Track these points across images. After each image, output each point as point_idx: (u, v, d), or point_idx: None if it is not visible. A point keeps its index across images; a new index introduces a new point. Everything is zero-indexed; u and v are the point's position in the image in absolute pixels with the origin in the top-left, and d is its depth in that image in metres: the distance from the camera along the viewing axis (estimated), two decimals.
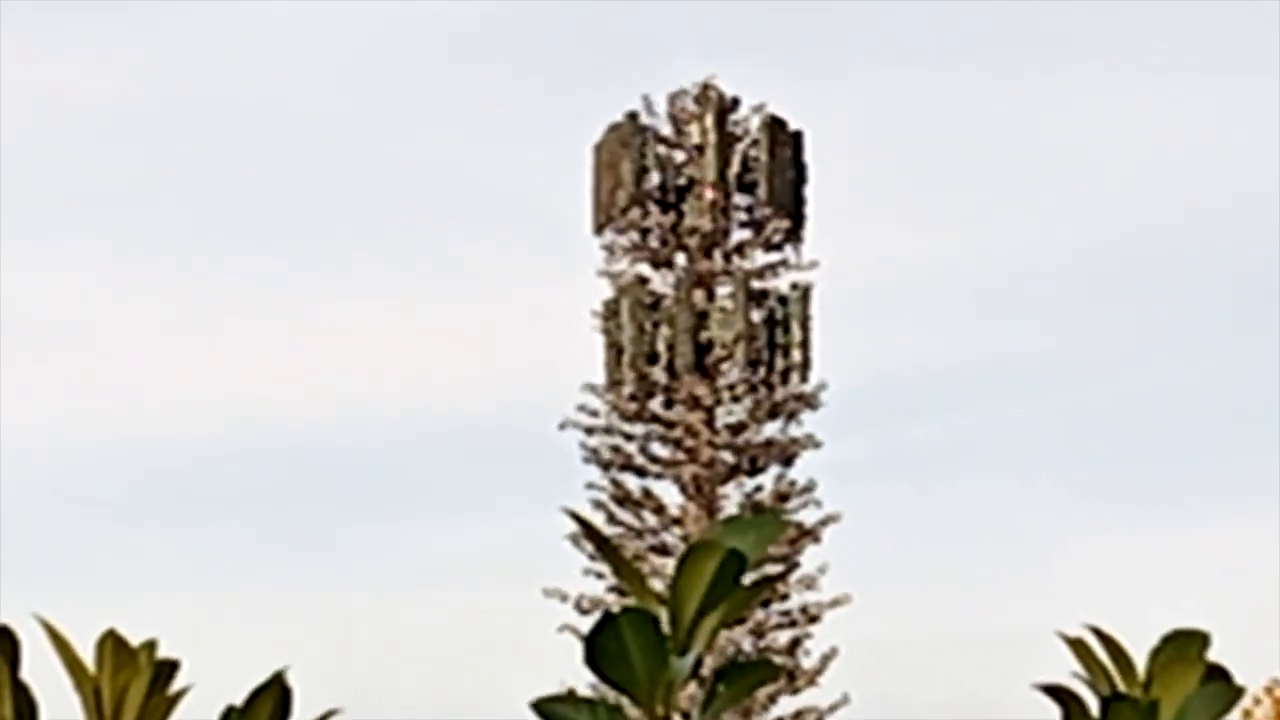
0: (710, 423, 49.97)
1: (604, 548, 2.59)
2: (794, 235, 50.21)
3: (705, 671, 2.21)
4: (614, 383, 49.63)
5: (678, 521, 49.29)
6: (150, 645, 2.29)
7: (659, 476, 50.05)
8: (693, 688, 2.18)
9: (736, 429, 50.11)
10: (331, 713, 2.30)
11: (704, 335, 49.38)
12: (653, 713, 2.13)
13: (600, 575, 43.67)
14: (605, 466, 49.72)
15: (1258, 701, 50.92)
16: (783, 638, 48.83)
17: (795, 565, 49.23)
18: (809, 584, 49.49)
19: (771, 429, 50.31)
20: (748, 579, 2.16)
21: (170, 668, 2.29)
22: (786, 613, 49.15)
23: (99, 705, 2.28)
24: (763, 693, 44.93)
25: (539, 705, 2.14)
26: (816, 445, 50.26)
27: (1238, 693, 1.88)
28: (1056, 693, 1.89)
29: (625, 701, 2.14)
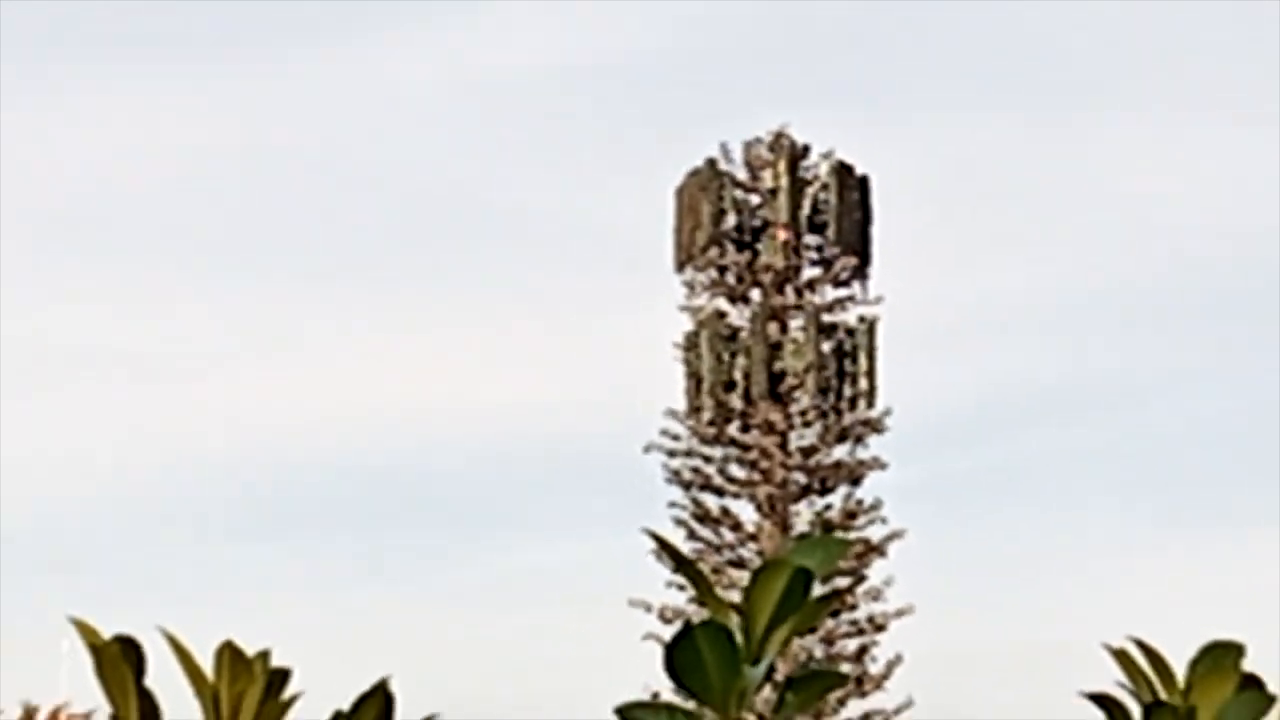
0: (784, 446, 49.90)
1: (682, 564, 2.59)
2: (861, 272, 50.18)
3: (778, 677, 2.21)
4: (694, 409, 49.63)
5: (753, 538, 49.25)
6: (264, 655, 2.30)
7: (736, 496, 50.02)
8: (767, 691, 2.18)
9: (808, 452, 50.06)
10: (431, 717, 2.30)
11: (777, 365, 49.33)
12: (727, 718, 2.12)
13: (682, 587, 43.66)
14: (686, 486, 49.74)
15: None
16: (851, 645, 48.75)
17: (863, 578, 49.14)
18: (875, 595, 49.40)
19: (840, 452, 50.25)
20: (817, 592, 2.16)
21: (282, 676, 2.30)
22: (855, 622, 49.06)
23: (217, 711, 2.29)
24: (833, 697, 44.86)
25: (621, 710, 2.14)
26: (882, 467, 50.18)
27: (1271, 700, 1.87)
28: (1102, 700, 1.88)
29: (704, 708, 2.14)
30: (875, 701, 49.11)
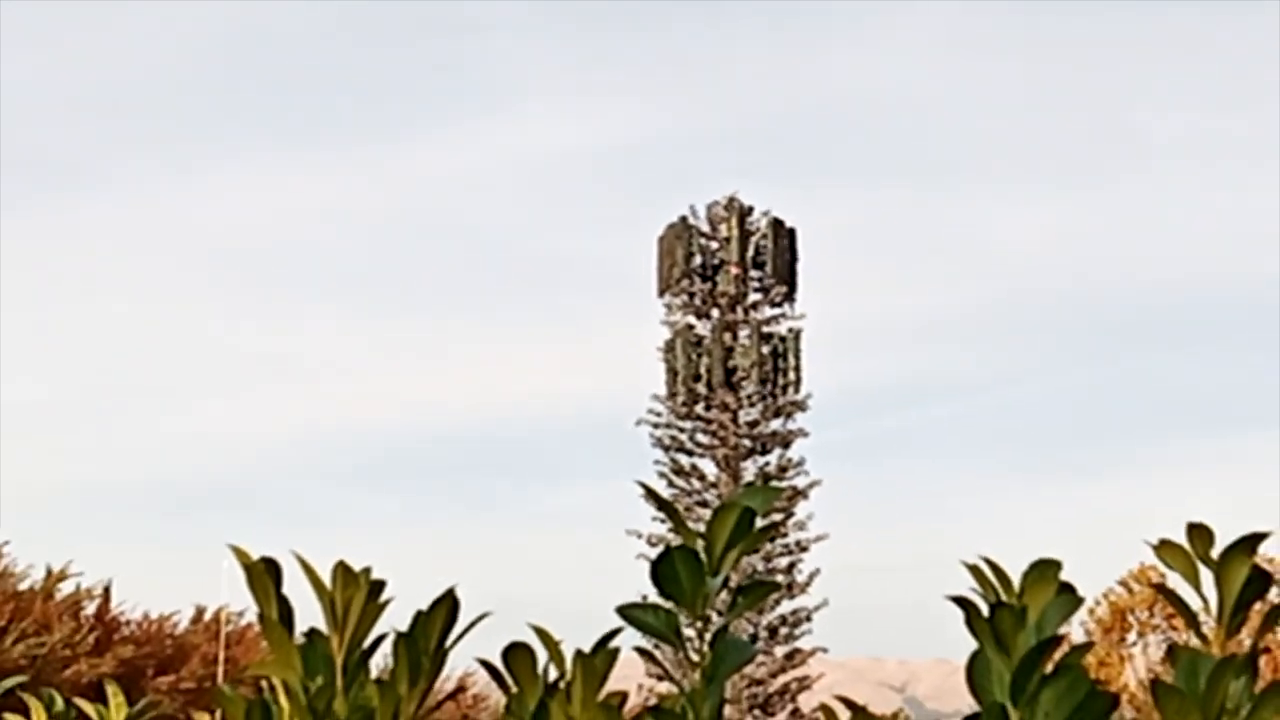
0: (735, 420, 49.95)
1: (663, 505, 2.61)
2: (789, 297, 50.39)
3: (732, 585, 2.21)
4: (671, 395, 49.74)
5: (714, 486, 49.33)
6: (366, 571, 2.30)
7: (701, 456, 50.08)
8: (724, 596, 2.18)
9: (753, 424, 50.12)
10: (484, 615, 2.30)
11: (731, 363, 49.44)
12: (695, 614, 2.13)
13: (663, 521, 43.94)
14: (666, 449, 49.82)
15: (1096, 604, 50.69)
16: (783, 562, 48.69)
17: (791, 514, 49.14)
18: (800, 526, 49.37)
19: (775, 424, 50.27)
20: (759, 524, 2.17)
21: (380, 585, 2.30)
22: (786, 545, 49.08)
23: (334, 612, 2.29)
24: (770, 599, 44.83)
25: (621, 610, 2.15)
26: (805, 435, 50.18)
27: (1079, 601, 1.88)
28: (960, 601, 1.89)
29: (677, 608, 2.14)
30: (800, 602, 49.17)
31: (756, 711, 47.44)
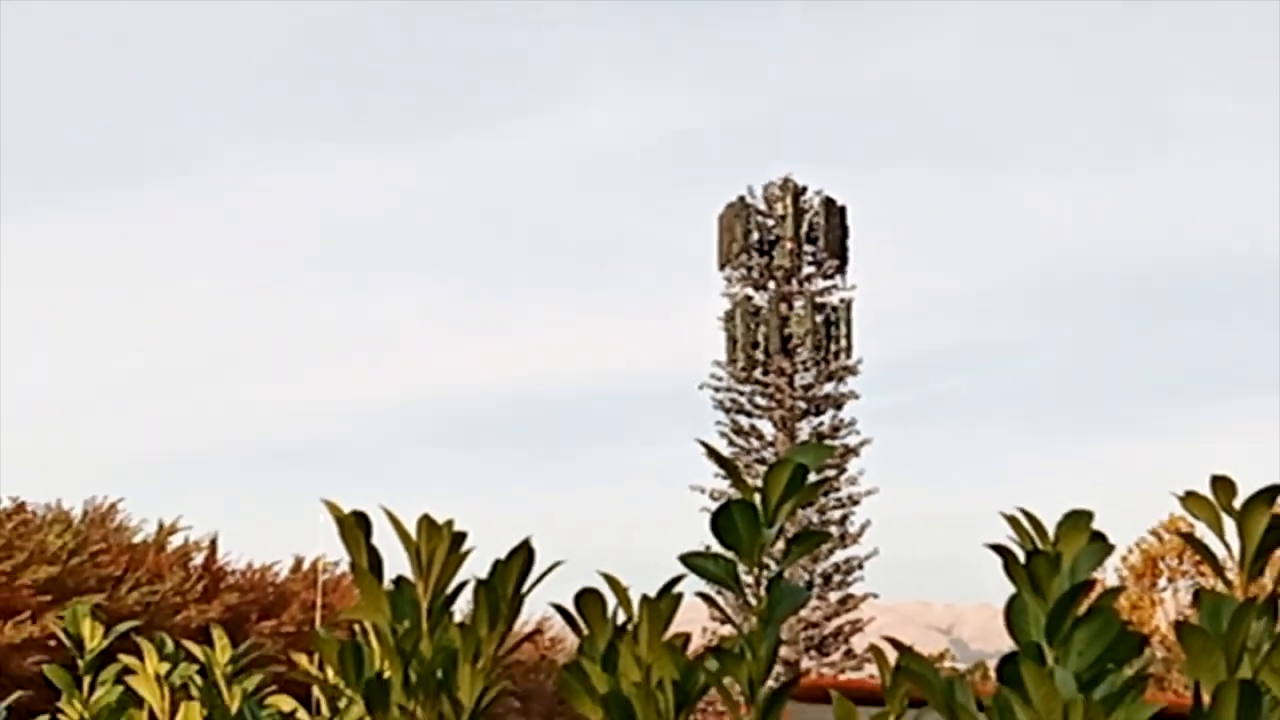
0: (791, 384, 49.95)
1: (723, 462, 2.60)
2: (841, 270, 50.32)
3: (787, 535, 2.21)
4: (731, 360, 49.79)
5: (771, 445, 49.39)
6: (449, 523, 2.31)
7: (759, 417, 50.20)
8: (779, 546, 2.18)
9: (807, 388, 50.17)
10: (557, 563, 2.31)
11: (786, 331, 49.40)
12: (752, 563, 2.12)
13: (724, 477, 44.11)
14: (726, 411, 49.93)
15: (1129, 551, 50.52)
16: (836, 514, 48.80)
17: (844, 470, 49.19)
18: (852, 481, 49.44)
19: (828, 387, 50.33)
20: (812, 479, 2.16)
21: (460, 537, 2.31)
22: (839, 499, 49.15)
23: (419, 560, 2.30)
24: (824, 548, 44.79)
25: (685, 558, 2.15)
26: (856, 397, 50.21)
27: (1110, 548, 1.86)
28: (999, 549, 1.88)
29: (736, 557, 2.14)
30: (852, 551, 49.25)
31: (812, 652, 47.55)
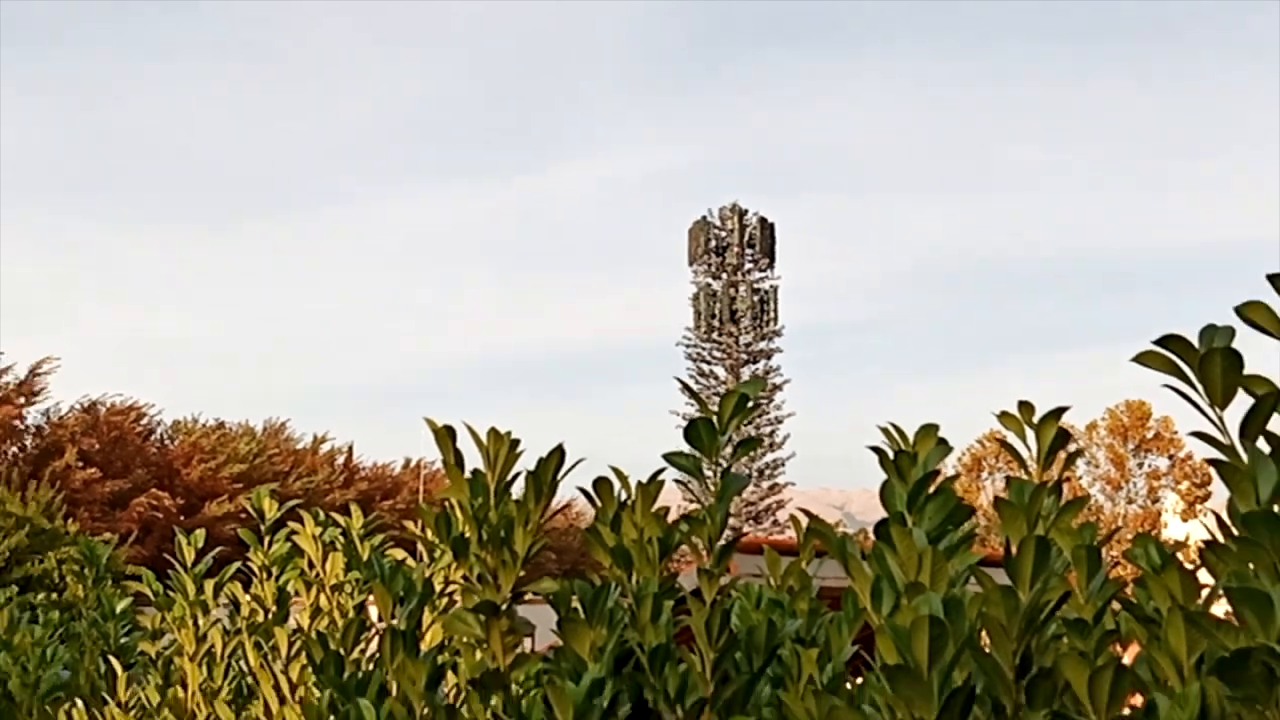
0: (737, 343, 49.90)
1: (692, 394, 2.59)
2: (770, 265, 50.19)
3: (734, 442, 2.21)
4: (696, 327, 49.76)
5: (724, 384, 49.38)
6: (509, 433, 2.30)
7: (715, 365, 50.17)
8: (729, 449, 2.18)
9: (748, 345, 50.09)
10: (580, 460, 2.30)
11: (734, 307, 49.34)
12: (712, 460, 2.12)
13: (693, 404, 44.00)
14: (694, 361, 49.92)
15: (963, 454, 50.43)
16: (767, 429, 48.79)
17: (772, 399, 49.22)
18: (778, 408, 49.45)
19: (762, 345, 50.24)
20: (750, 404, 2.16)
21: (516, 442, 2.30)
22: (769, 419, 49.15)
23: (488, 457, 2.29)
24: (758, 451, 44.85)
25: (666, 456, 2.15)
26: (780, 352, 50.28)
27: (949, 449, 1.86)
28: (877, 450, 1.87)
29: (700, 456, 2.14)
30: (778, 454, 49.32)
31: (751, 522, 47.72)
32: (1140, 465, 48.29)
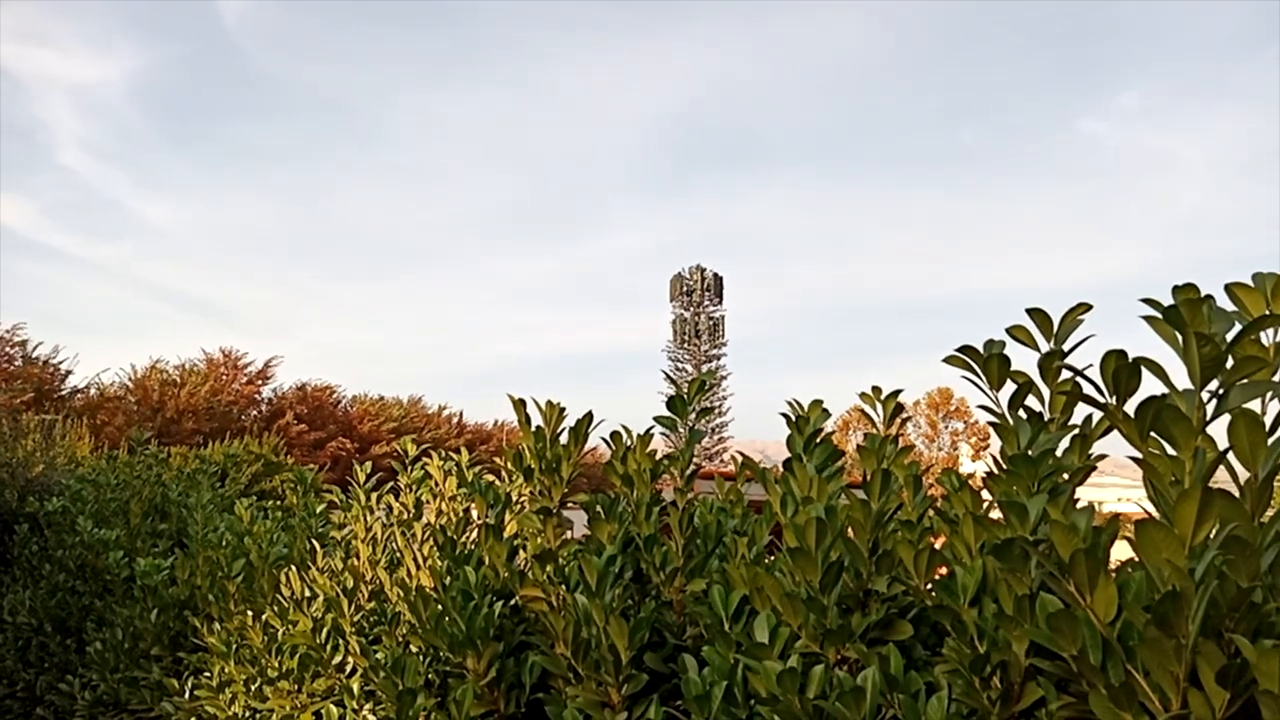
0: (699, 350, 49.72)
1: (671, 381, 2.58)
2: (720, 302, 49.87)
3: (696, 409, 2.19)
4: (674, 339, 49.56)
5: (691, 376, 49.09)
6: (559, 404, 2.28)
7: (685, 364, 49.96)
8: (694, 415, 2.16)
9: (707, 352, 49.93)
10: (603, 420, 2.27)
11: (698, 328, 49.06)
12: (684, 421, 2.11)
13: (672, 387, 44.25)
14: (672, 362, 49.75)
15: (839, 419, 50.26)
16: (717, 402, 48.59)
17: (721, 385, 49.04)
18: (725, 391, 49.37)
19: (715, 352, 50.00)
20: (707, 387, 2.15)
21: (563, 409, 2.28)
22: (719, 396, 48.98)
23: (545, 419, 2.26)
24: (711, 416, 44.51)
25: (656, 418, 2.14)
26: (726, 356, 50.18)
27: (828, 414, 1.85)
28: (788, 418, 1.86)
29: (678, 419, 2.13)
30: (723, 420, 49.04)
31: (706, 460, 47.38)
32: (946, 427, 48.38)
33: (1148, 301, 1.16)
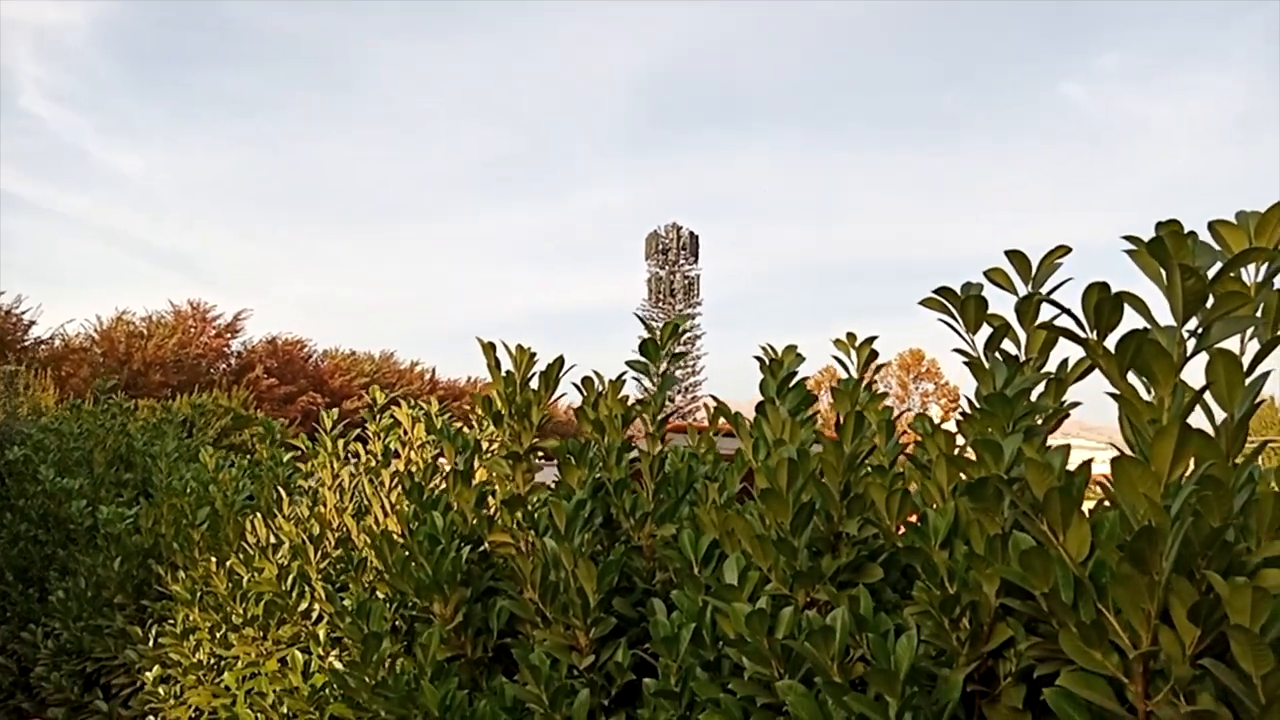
0: (674, 308, 49.57)
1: (646, 326, 2.53)
2: (695, 261, 49.69)
3: (670, 355, 2.16)
4: (650, 296, 49.41)
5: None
6: (529, 349, 2.24)
7: (659, 321, 49.82)
8: (666, 361, 2.13)
9: (681, 311, 49.83)
10: (573, 365, 2.24)
11: (673, 286, 48.91)
12: (656, 367, 2.08)
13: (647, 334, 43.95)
14: (645, 322, 49.58)
15: (815, 374, 50.63)
16: (691, 363, 48.76)
17: (695, 344, 49.19)
18: (698, 349, 49.48)
19: (690, 311, 49.88)
20: (679, 330, 2.12)
21: (533, 353, 2.24)
22: (693, 356, 49.09)
23: (515, 364, 2.23)
24: (685, 373, 44.57)
25: (628, 362, 2.10)
26: (701, 315, 50.24)
27: (802, 359, 1.82)
28: (762, 364, 1.83)
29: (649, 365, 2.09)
30: (697, 379, 49.32)
31: (679, 419, 47.75)
32: (917, 389, 49.16)
33: (1129, 238, 1.13)
